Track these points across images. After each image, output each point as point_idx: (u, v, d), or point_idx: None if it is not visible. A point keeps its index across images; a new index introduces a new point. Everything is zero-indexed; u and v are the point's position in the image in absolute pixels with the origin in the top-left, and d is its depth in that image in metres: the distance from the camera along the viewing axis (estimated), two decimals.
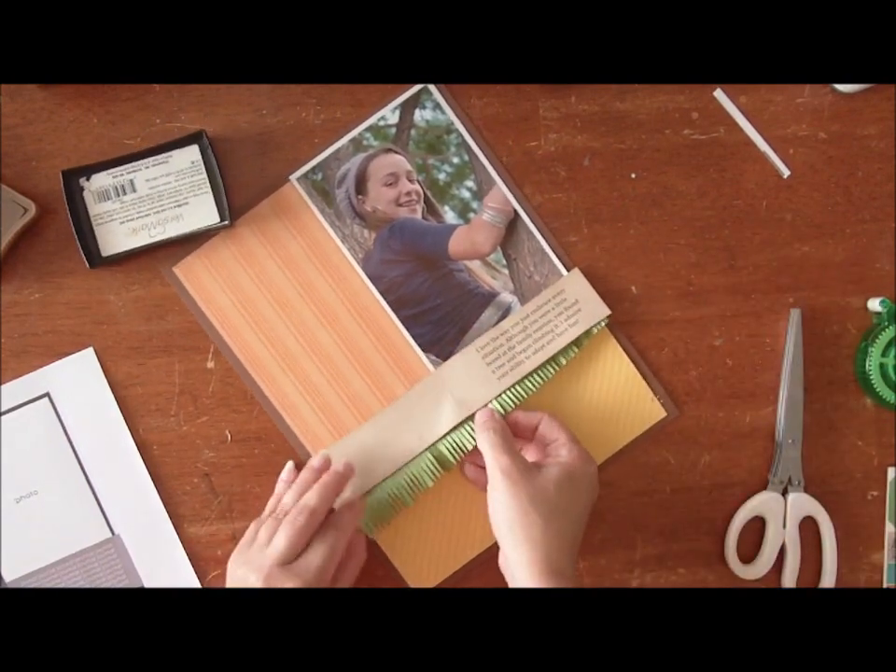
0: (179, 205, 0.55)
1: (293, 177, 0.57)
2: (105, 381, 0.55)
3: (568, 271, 0.57)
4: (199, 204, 0.55)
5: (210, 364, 0.56)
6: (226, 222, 0.55)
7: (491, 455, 0.50)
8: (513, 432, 0.54)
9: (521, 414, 0.55)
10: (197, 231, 0.55)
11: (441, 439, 0.56)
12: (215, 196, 0.56)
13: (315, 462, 0.53)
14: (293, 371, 0.56)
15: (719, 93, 0.59)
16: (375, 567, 0.56)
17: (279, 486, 0.54)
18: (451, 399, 0.56)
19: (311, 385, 0.56)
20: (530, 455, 0.55)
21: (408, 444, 0.56)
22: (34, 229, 0.55)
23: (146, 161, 0.55)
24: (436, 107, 0.57)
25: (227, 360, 0.56)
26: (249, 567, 0.47)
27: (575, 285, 0.57)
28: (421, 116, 0.57)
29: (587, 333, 0.57)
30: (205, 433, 0.56)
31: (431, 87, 0.57)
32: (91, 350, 0.55)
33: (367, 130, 0.57)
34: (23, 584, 0.54)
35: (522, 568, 0.47)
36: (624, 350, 0.58)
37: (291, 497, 0.51)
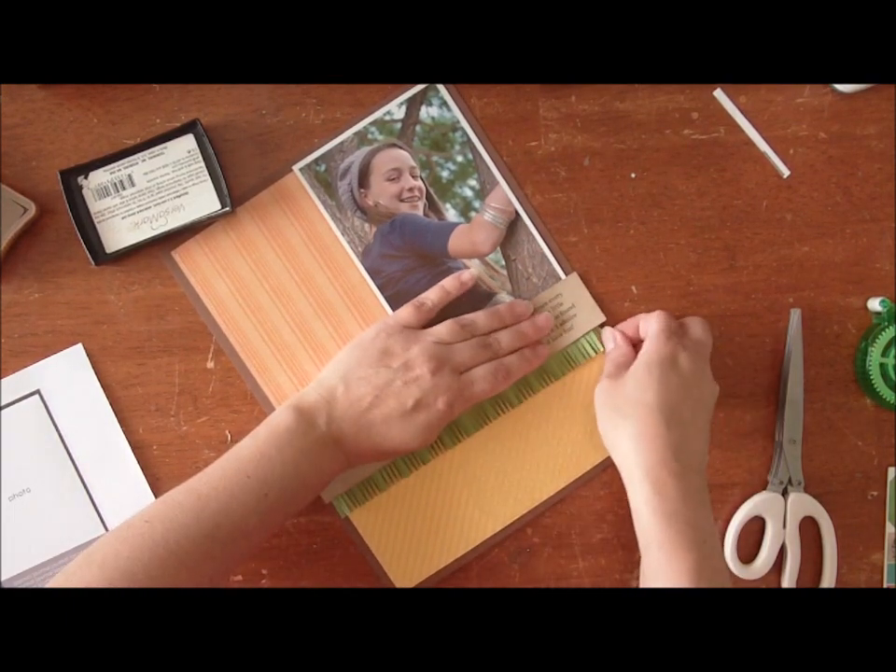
0: (179, 196, 0.55)
1: (296, 167, 0.57)
2: (95, 377, 0.55)
3: (567, 275, 0.57)
4: (199, 193, 0.55)
5: (210, 364, 0.56)
6: (227, 208, 0.55)
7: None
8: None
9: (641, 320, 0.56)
10: (199, 220, 0.55)
11: None
12: (214, 183, 0.55)
13: (519, 308, 0.56)
14: (287, 362, 0.56)
15: (719, 93, 0.59)
16: (359, 564, 0.56)
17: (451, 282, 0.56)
18: None
19: (305, 375, 0.56)
20: None
21: None
22: (34, 229, 0.55)
23: (142, 154, 0.55)
24: (442, 105, 0.57)
25: (227, 360, 0.56)
26: (442, 380, 0.51)
27: (572, 289, 0.57)
28: (427, 112, 0.57)
29: (582, 351, 0.57)
30: (205, 433, 0.56)
31: (439, 84, 0.57)
32: (80, 347, 0.55)
33: (372, 124, 0.57)
34: (18, 583, 0.54)
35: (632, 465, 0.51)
36: None
37: (487, 322, 0.54)
